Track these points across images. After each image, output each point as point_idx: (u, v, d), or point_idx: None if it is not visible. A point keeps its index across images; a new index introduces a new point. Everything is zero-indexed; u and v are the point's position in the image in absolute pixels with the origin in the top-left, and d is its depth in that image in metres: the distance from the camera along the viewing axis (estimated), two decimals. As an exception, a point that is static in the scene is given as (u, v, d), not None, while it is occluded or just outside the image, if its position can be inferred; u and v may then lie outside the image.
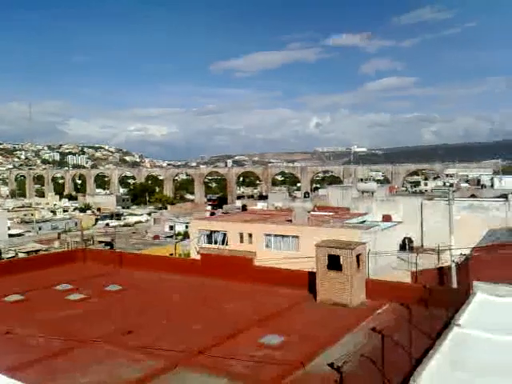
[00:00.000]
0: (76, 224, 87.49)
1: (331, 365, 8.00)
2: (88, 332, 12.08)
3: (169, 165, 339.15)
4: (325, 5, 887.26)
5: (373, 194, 58.94)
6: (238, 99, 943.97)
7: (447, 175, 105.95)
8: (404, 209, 47.52)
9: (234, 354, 9.99)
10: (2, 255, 52.71)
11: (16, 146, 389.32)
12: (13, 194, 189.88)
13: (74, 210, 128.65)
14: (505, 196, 44.37)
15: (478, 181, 73.60)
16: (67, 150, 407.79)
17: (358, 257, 14.20)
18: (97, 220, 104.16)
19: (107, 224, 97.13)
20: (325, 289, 14.28)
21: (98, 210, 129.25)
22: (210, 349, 10.53)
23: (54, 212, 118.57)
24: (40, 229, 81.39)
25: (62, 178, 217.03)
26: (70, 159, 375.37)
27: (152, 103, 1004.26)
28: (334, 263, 14.11)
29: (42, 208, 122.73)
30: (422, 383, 6.77)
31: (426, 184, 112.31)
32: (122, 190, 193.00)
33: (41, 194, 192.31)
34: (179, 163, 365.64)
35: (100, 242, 64.76)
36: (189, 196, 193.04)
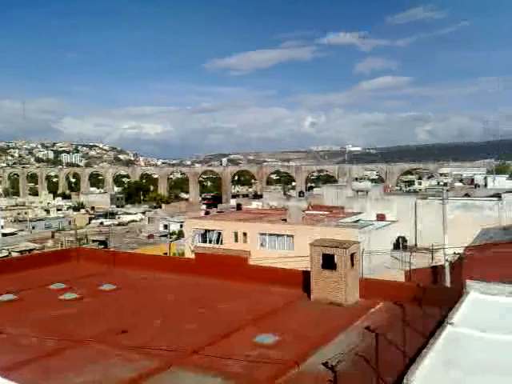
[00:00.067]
0: (70, 223, 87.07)
1: (325, 364, 8.03)
2: (82, 332, 12.03)
3: (163, 163, 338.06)
4: (320, 4, 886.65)
5: (367, 193, 59.08)
6: (233, 98, 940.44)
7: (441, 174, 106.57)
8: (398, 208, 47.79)
9: (228, 354, 9.99)
10: (-5, 254, 52.34)
11: (9, 144, 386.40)
12: (6, 193, 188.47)
13: (68, 208, 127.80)
14: (498, 195, 44.71)
15: (472, 180, 74.03)
16: (61, 149, 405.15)
17: (352, 256, 14.26)
18: (91, 219, 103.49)
19: (101, 223, 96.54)
20: (319, 288, 14.32)
21: (92, 208, 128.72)
22: (204, 348, 10.53)
23: (47, 211, 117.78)
24: (33, 228, 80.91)
25: (56, 176, 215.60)
26: (64, 157, 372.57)
27: (146, 101, 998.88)
28: (328, 262, 14.16)
29: (36, 207, 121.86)
30: (416, 382, 6.80)
31: (419, 183, 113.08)
32: (116, 189, 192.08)
33: (34, 193, 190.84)
34: (174, 162, 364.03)
35: (94, 241, 64.35)
36: (183, 195, 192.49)
